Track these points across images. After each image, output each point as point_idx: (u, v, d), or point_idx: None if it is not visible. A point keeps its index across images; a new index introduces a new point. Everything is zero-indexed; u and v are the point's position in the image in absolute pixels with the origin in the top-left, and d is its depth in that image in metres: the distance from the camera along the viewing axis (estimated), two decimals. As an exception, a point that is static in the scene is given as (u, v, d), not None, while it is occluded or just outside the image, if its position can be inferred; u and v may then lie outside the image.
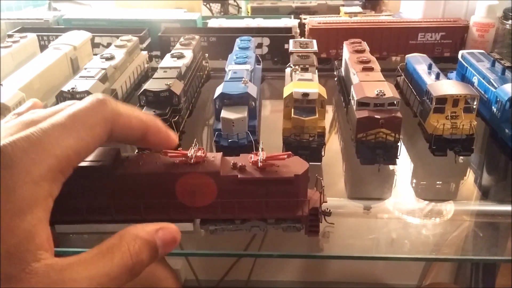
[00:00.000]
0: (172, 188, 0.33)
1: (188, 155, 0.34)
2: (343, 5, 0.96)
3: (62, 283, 0.22)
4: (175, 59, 0.64)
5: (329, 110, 0.70)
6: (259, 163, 0.34)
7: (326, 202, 0.38)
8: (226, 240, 0.45)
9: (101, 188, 0.33)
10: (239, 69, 0.60)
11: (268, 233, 0.47)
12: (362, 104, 0.50)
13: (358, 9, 0.92)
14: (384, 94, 0.49)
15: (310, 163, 0.52)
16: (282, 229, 0.37)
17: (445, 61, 0.80)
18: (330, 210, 0.38)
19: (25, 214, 0.23)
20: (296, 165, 0.35)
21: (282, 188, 0.34)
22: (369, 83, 0.53)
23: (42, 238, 0.23)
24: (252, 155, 0.35)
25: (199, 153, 0.34)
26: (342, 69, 0.71)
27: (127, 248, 0.25)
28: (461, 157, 0.54)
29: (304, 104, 0.53)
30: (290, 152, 0.36)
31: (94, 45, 0.80)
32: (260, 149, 0.36)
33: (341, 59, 0.73)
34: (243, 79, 0.55)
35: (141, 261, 0.26)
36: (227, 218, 0.35)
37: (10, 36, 0.76)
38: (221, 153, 0.35)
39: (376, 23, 0.82)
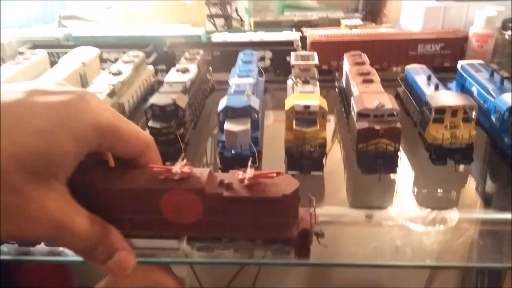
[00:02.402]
0: (156, 204, 0.33)
1: (173, 170, 0.33)
2: (343, 18, 0.98)
3: None
4: (180, 73, 0.66)
5: (331, 120, 0.71)
6: (246, 181, 0.33)
7: (317, 223, 0.36)
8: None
9: (83, 202, 0.32)
10: (242, 83, 0.61)
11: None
12: (362, 115, 0.52)
13: (358, 21, 0.94)
14: (384, 106, 0.51)
15: (312, 172, 0.54)
16: (271, 252, 0.35)
17: (445, 71, 0.81)
18: (322, 232, 0.35)
19: None
20: (286, 184, 0.33)
21: (269, 208, 0.32)
22: (369, 95, 0.55)
23: None
24: (240, 172, 0.34)
25: (186, 169, 0.33)
26: (343, 80, 0.72)
27: None
28: (461, 166, 0.55)
29: (305, 116, 0.54)
30: (280, 170, 0.34)
31: (102, 60, 0.83)
32: (248, 166, 0.34)
33: (342, 71, 0.74)
34: (246, 92, 0.57)
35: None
36: (214, 236, 0.34)
37: (21, 53, 0.78)
38: (209, 169, 0.34)
39: (376, 35, 0.84)
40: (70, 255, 0.46)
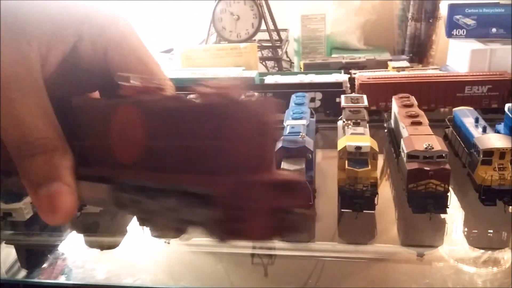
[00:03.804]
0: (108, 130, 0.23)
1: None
2: (391, 60, 1.01)
3: None
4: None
5: (380, 159, 0.74)
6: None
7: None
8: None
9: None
10: (296, 124, 0.66)
11: (316, 271, 0.52)
12: (412, 156, 0.55)
13: (405, 63, 0.98)
14: (433, 148, 0.54)
15: (364, 211, 0.57)
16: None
17: (494, 112, 0.83)
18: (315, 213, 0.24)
19: None
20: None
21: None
22: (418, 137, 0.58)
23: None
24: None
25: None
26: (392, 121, 0.76)
27: None
28: (511, 207, 0.56)
29: (357, 156, 0.58)
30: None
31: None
32: None
33: (391, 111, 0.77)
34: (301, 133, 0.62)
35: None
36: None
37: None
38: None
39: (423, 77, 0.87)
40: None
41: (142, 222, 0.22)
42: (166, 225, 0.21)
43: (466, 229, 0.58)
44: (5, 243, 0.59)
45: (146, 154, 0.21)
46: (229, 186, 0.18)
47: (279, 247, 0.57)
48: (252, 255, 0.56)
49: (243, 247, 0.58)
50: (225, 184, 0.18)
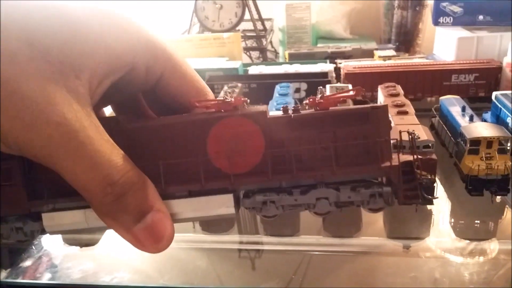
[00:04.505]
0: (201, 145, 0.23)
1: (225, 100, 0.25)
2: (377, 49, 1.00)
3: None
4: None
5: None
6: (317, 101, 0.25)
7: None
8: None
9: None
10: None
11: (312, 265, 0.50)
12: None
13: (391, 52, 0.96)
14: (419, 137, 0.52)
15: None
16: (362, 203, 0.25)
17: (481, 101, 0.82)
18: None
19: None
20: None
21: (354, 130, 0.24)
22: (404, 127, 0.56)
23: None
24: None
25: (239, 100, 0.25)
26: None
27: None
28: (498, 197, 0.55)
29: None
30: (360, 87, 0.27)
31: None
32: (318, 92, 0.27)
33: (376, 102, 0.76)
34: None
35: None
36: (279, 184, 0.24)
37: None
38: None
39: (410, 66, 0.85)
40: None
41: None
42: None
43: (452, 220, 0.57)
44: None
45: (277, 159, 0.23)
46: (387, 169, 0.26)
47: (265, 241, 0.56)
48: (239, 250, 0.55)
49: (228, 242, 0.57)
50: (387, 168, 0.26)
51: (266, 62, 1.11)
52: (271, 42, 1.23)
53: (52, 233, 0.23)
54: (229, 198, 0.22)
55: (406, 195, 0.26)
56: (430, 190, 0.53)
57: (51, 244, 0.57)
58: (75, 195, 0.20)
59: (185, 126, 0.24)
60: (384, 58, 0.93)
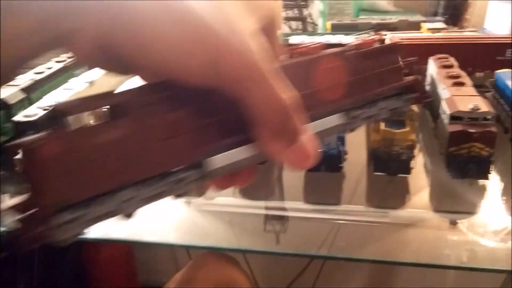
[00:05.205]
0: (306, 80, 0.27)
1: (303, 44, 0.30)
2: (424, 21, 0.96)
3: None
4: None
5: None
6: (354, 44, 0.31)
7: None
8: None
9: None
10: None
11: (339, 235, 0.49)
12: (455, 118, 0.51)
13: (441, 25, 0.92)
14: (479, 109, 0.50)
15: (398, 175, 0.54)
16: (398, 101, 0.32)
17: (536, 78, 0.77)
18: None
19: None
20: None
21: (385, 59, 0.31)
22: (462, 98, 0.53)
23: None
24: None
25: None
26: (426, 84, 0.71)
27: None
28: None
29: (393, 117, 0.54)
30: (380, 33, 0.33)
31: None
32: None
33: (425, 74, 0.73)
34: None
35: None
36: (353, 100, 0.30)
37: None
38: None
39: (461, 38, 0.81)
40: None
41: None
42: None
43: (505, 198, 0.55)
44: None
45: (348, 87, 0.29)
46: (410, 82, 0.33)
47: (307, 208, 0.55)
48: (280, 217, 0.54)
49: (268, 208, 0.56)
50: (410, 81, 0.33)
51: (307, 31, 1.08)
52: (310, 13, 1.20)
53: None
54: (339, 115, 0.29)
55: (420, 96, 0.34)
56: (487, 165, 0.51)
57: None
58: None
59: (299, 66, 0.27)
60: (433, 30, 0.89)
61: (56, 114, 0.19)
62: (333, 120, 0.29)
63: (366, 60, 0.30)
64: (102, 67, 0.23)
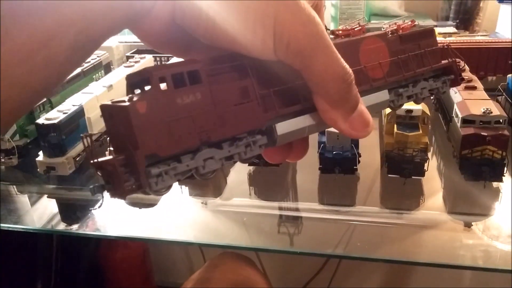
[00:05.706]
0: (354, 60, 0.29)
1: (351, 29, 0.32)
2: (436, 26, 0.96)
3: None
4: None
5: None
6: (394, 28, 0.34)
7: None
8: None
9: None
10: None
11: (354, 235, 0.50)
12: (467, 121, 0.52)
13: (452, 29, 0.93)
14: (491, 112, 0.51)
15: (412, 177, 0.55)
16: (439, 87, 0.34)
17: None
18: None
19: None
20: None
21: (424, 42, 0.34)
22: (473, 101, 0.54)
23: None
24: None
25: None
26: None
27: None
28: None
29: (406, 120, 0.55)
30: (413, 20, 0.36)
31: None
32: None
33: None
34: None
35: None
36: (399, 79, 0.32)
37: (130, 57, 0.86)
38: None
39: (473, 42, 0.82)
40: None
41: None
42: None
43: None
44: (47, 196, 0.60)
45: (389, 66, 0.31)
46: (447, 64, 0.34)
47: (321, 209, 0.56)
48: (295, 217, 0.55)
49: (284, 208, 0.57)
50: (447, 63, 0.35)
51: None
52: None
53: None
54: (385, 92, 0.31)
55: (456, 79, 0.35)
56: (501, 168, 0.52)
57: (112, 204, 0.59)
58: None
59: (346, 45, 0.29)
60: (444, 35, 0.90)
61: (144, 77, 0.21)
62: (380, 96, 0.30)
63: (407, 42, 0.32)
64: (164, 48, 0.25)
